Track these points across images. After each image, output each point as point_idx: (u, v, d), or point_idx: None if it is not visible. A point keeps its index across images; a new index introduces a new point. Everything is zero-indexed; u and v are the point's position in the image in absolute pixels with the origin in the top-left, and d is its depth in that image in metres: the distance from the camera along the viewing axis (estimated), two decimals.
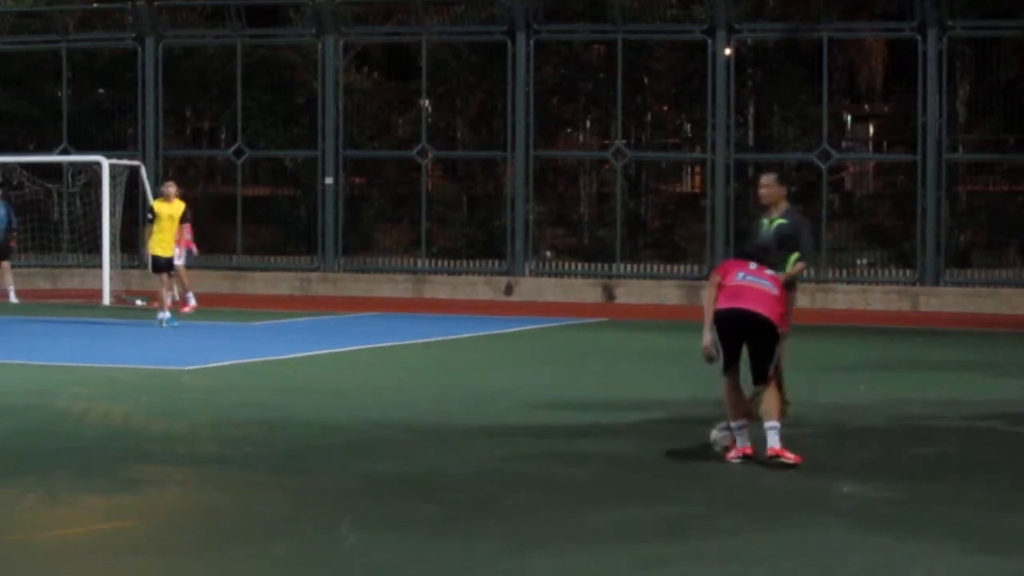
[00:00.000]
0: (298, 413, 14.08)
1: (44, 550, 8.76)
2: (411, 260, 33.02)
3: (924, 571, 8.38)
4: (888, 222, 33.30)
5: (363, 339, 22.07)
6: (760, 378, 11.67)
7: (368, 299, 30.61)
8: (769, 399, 11.58)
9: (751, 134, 34.60)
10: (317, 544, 8.83)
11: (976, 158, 32.60)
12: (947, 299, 29.32)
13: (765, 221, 13.94)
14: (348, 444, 12.47)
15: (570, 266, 32.32)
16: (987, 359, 20.54)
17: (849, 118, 38.28)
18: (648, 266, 31.92)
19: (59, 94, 34.78)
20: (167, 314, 23.10)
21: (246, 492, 10.48)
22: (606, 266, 31.72)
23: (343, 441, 12.60)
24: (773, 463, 11.27)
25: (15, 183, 31.78)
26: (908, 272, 30.28)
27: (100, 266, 29.09)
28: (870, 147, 38.15)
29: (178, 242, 24.18)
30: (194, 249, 25.49)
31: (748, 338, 11.67)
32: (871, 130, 39.15)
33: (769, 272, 12.00)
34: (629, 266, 31.69)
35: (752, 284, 11.72)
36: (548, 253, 33.22)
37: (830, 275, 29.94)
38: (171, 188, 24.15)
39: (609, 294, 30.99)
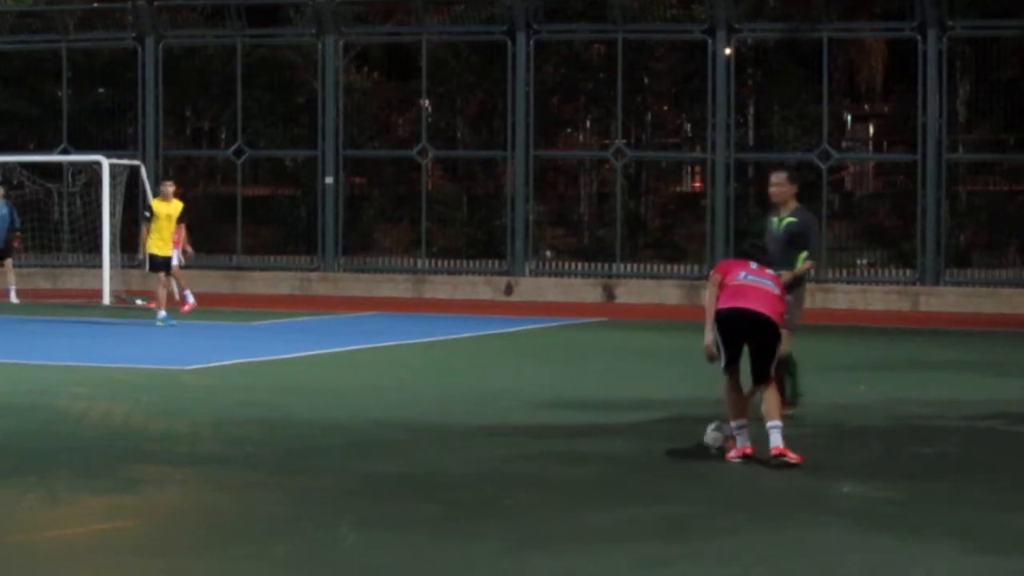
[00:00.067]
0: (298, 413, 14.08)
1: (44, 550, 8.76)
2: (411, 260, 33.02)
3: (924, 571, 8.39)
4: (888, 222, 33.29)
5: (363, 339, 22.07)
6: (761, 378, 11.67)
7: (368, 299, 30.61)
8: (770, 398, 11.59)
9: (751, 134, 34.61)
10: (317, 544, 8.83)
11: (976, 158, 32.60)
12: (947, 299, 29.32)
13: (775, 219, 13.98)
14: (348, 444, 12.47)
15: (570, 266, 32.32)
16: (987, 359, 20.54)
17: (849, 118, 38.28)
18: (648, 266, 31.91)
19: (59, 94, 34.78)
20: (164, 313, 23.14)
21: (246, 492, 10.48)
22: (606, 266, 31.72)
23: (343, 441, 12.60)
24: (773, 463, 11.27)
25: (15, 183, 31.78)
26: (908, 272, 30.28)
27: (100, 266, 29.10)
28: (870, 147, 38.15)
29: (176, 242, 24.19)
30: (189, 250, 25.39)
31: (750, 338, 11.67)
32: (871, 130, 39.15)
33: (770, 271, 12.02)
34: (629, 266, 31.69)
35: (754, 284, 11.73)
36: (548, 253, 33.22)
37: (830, 275, 29.93)
38: (169, 187, 24.15)
39: (609, 294, 30.99)
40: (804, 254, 13.70)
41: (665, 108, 36.35)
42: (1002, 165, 33.09)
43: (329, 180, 32.45)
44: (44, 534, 9.14)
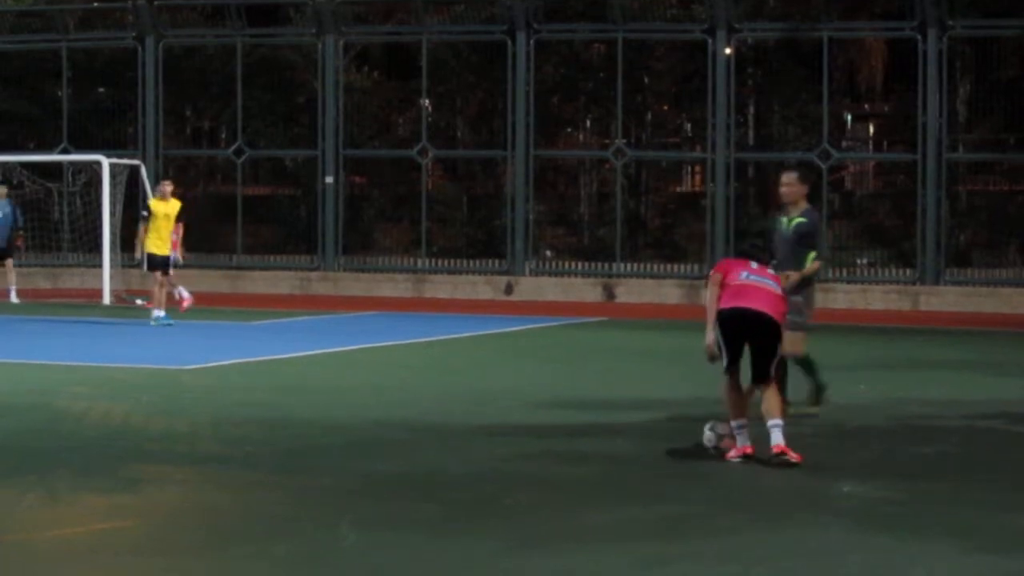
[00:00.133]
0: (298, 412, 14.08)
1: (44, 550, 8.76)
2: (411, 259, 33.02)
3: (924, 571, 8.38)
4: (888, 221, 33.29)
5: (363, 338, 22.07)
6: (761, 378, 11.66)
7: (368, 298, 30.62)
8: (771, 398, 11.59)
9: (751, 133, 34.62)
10: (317, 544, 8.83)
11: (976, 157, 32.60)
12: (947, 298, 29.32)
13: (784, 219, 14.01)
14: (348, 443, 12.47)
15: (570, 265, 32.31)
16: (987, 358, 20.54)
17: (849, 117, 38.30)
18: (648, 265, 31.91)
19: (59, 93, 34.78)
20: (162, 312, 23.15)
21: (246, 492, 10.48)
22: (606, 265, 31.71)
23: (343, 440, 12.60)
24: (773, 462, 11.27)
25: (15, 182, 31.78)
26: (908, 271, 30.28)
27: (100, 265, 29.11)
28: (870, 146, 38.16)
29: (174, 242, 24.18)
30: (179, 254, 25.28)
31: (751, 337, 11.67)
32: (871, 129, 39.17)
33: (771, 271, 12.03)
34: (629, 265, 31.69)
35: (756, 283, 11.73)
36: (548, 252, 33.22)
37: (830, 275, 29.92)
38: (167, 187, 24.15)
39: (609, 293, 30.99)
40: (812, 254, 13.76)
41: (665, 108, 36.35)
42: (1002, 165, 33.10)
43: (329, 180, 32.45)
44: (44, 533, 9.14)
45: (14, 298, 28.12)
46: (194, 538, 9.08)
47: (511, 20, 31.57)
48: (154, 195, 25.82)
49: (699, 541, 9.03)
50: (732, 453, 11.58)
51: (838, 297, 29.46)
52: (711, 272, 12.11)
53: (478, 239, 34.09)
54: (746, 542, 9.01)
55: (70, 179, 32.65)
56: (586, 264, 32.15)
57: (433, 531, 9.18)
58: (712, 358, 11.73)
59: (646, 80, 34.66)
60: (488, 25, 32.26)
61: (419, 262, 32.65)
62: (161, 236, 23.64)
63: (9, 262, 28.80)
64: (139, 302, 27.35)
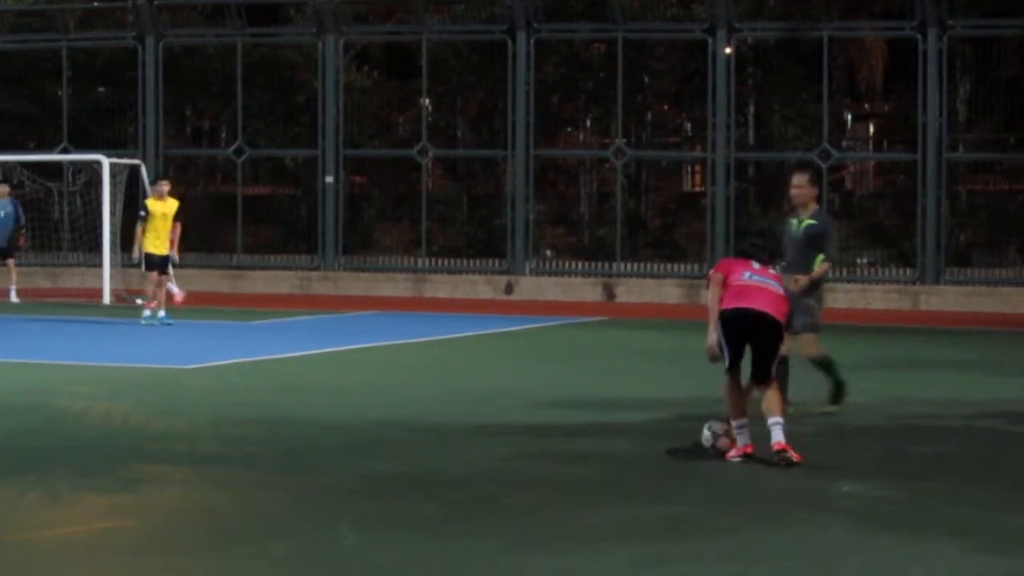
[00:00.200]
0: (298, 412, 14.08)
1: (44, 549, 8.77)
2: (411, 259, 33.01)
3: (924, 571, 8.38)
4: (888, 221, 33.29)
5: (363, 338, 22.07)
6: (762, 378, 11.66)
7: (368, 298, 30.62)
8: (771, 396, 11.59)
9: (751, 133, 34.62)
10: (317, 544, 8.83)
11: (976, 157, 32.60)
12: (947, 298, 29.31)
13: (794, 221, 14.04)
14: (348, 443, 12.46)
15: (570, 265, 32.30)
16: (987, 358, 20.54)
17: (849, 117, 38.31)
18: (648, 265, 31.90)
19: (59, 93, 34.77)
20: (161, 312, 23.15)
21: (246, 492, 10.48)
22: (606, 265, 31.71)
23: (343, 440, 12.60)
24: (773, 462, 11.27)
25: (15, 182, 31.77)
26: (908, 271, 30.28)
27: (100, 265, 29.10)
28: (870, 146, 38.17)
29: (172, 241, 24.16)
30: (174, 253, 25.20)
31: (753, 338, 11.66)
32: (871, 129, 39.18)
33: (773, 271, 12.03)
34: (629, 265, 31.69)
35: (759, 284, 11.73)
36: (548, 252, 33.22)
37: (831, 274, 29.89)
38: (165, 186, 24.13)
39: (609, 293, 30.99)
40: (821, 256, 13.78)
41: (665, 107, 36.35)
42: (1002, 164, 33.10)
43: (329, 179, 32.45)
44: (44, 533, 9.15)
45: (14, 297, 28.12)
46: (194, 538, 9.09)
47: (511, 20, 31.57)
48: (150, 194, 25.79)
49: (699, 541, 9.03)
50: (732, 452, 11.59)
51: (838, 297, 29.42)
52: (712, 272, 12.10)
53: (478, 239, 34.09)
54: (746, 542, 9.01)
55: (70, 179, 32.65)
56: (586, 264, 32.14)
57: (433, 531, 9.18)
58: (714, 359, 11.72)
59: (646, 80, 34.66)
60: (488, 25, 32.25)
61: (419, 262, 32.64)
62: (159, 236, 23.62)
63: (11, 261, 28.80)
64: (139, 301, 27.32)
